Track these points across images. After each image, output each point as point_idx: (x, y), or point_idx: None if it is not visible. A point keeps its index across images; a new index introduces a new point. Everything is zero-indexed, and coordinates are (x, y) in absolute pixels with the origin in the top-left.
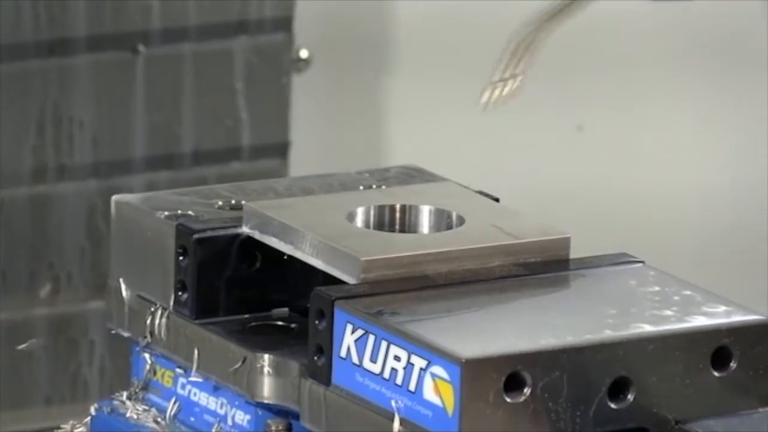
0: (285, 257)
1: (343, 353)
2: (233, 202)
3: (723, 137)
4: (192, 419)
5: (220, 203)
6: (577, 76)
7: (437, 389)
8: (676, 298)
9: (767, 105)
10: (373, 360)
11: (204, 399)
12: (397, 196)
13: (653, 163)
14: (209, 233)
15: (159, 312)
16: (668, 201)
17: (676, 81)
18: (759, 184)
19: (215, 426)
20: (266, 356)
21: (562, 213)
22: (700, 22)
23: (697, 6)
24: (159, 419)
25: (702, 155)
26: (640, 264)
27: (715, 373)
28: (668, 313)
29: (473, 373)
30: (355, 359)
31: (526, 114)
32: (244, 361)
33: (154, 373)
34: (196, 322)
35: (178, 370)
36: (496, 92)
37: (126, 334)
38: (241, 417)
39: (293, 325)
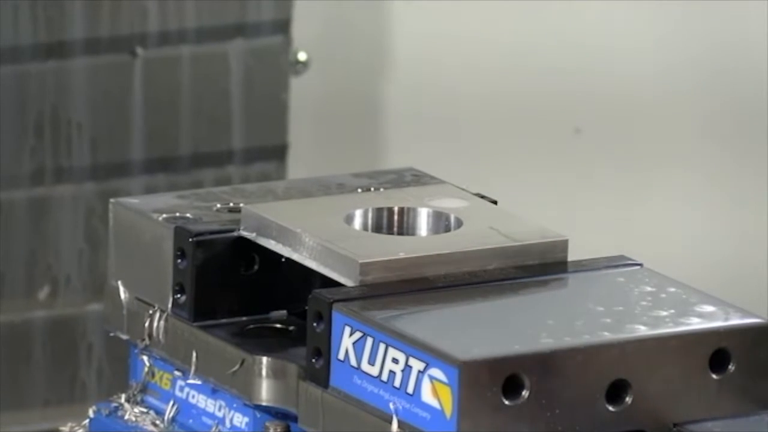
0: (283, 260)
1: (341, 356)
2: (231, 204)
3: None
4: (190, 422)
5: (219, 206)
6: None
7: (435, 392)
8: (674, 300)
9: None
10: (371, 362)
11: (202, 401)
12: (395, 199)
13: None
14: (207, 236)
15: (157, 314)
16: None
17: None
18: None
19: (213, 428)
20: (264, 359)
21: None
22: None
23: None
24: (157, 422)
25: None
26: (638, 266)
27: (714, 376)
28: (666, 315)
29: (471, 376)
30: (353, 362)
31: (523, 115)
32: (242, 364)
33: (153, 375)
34: (195, 324)
35: (177, 373)
36: None
37: (124, 337)
38: (240, 419)
39: (291, 328)
